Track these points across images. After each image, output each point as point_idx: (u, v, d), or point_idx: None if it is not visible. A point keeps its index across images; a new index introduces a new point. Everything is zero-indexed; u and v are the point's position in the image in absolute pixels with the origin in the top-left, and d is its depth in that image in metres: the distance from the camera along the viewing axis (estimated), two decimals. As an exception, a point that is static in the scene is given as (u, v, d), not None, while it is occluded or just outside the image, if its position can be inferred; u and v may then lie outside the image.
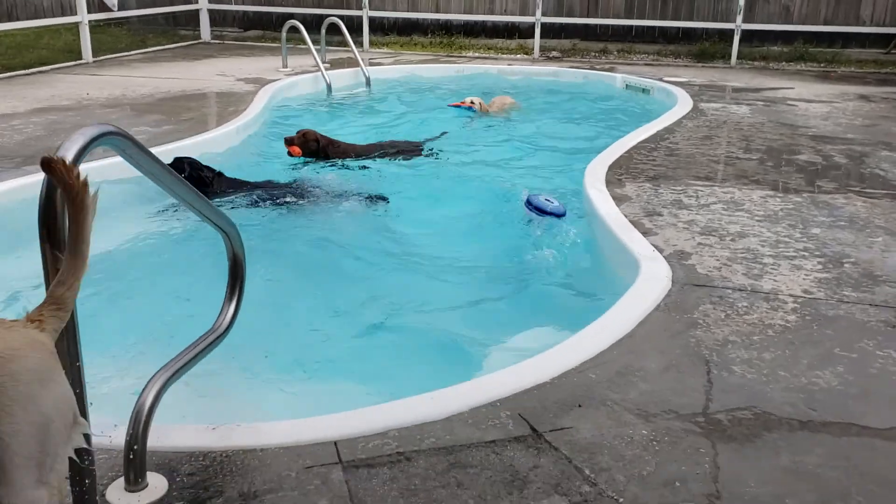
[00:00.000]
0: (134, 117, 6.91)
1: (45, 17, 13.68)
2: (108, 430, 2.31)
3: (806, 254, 3.89)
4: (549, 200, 5.04)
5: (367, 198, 5.38)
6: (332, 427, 2.44)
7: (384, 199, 5.40)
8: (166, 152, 5.64)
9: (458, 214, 5.25)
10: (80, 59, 10.19)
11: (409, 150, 6.47)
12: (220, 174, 5.30)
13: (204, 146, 6.11)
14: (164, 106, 7.45)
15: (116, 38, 12.71)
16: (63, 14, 12.33)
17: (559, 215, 4.95)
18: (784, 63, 11.00)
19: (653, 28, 12.48)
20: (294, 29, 9.27)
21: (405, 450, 2.35)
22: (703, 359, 2.88)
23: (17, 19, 14.26)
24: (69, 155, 1.76)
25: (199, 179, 5.05)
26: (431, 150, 6.63)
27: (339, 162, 6.09)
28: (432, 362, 3.33)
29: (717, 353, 2.91)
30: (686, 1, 12.25)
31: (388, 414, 2.52)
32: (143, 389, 2.19)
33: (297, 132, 6.17)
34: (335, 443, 2.37)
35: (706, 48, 11.75)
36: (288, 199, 5.19)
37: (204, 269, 3.66)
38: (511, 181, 5.84)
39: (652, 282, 3.49)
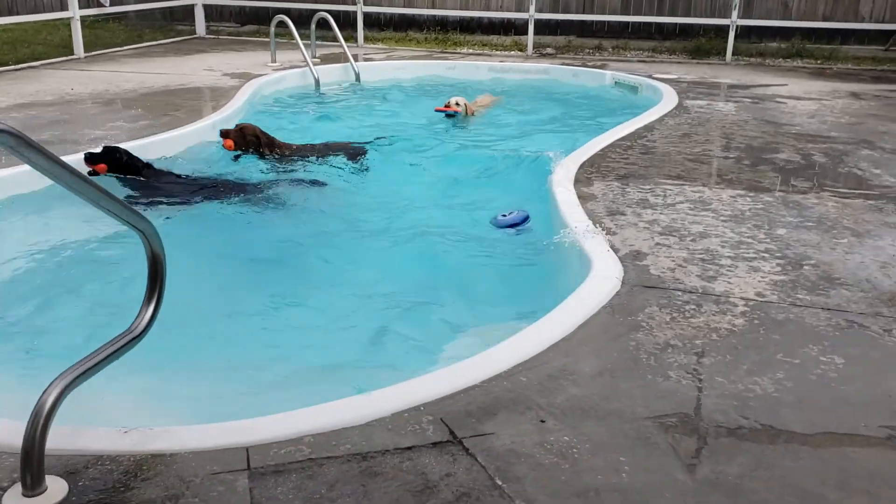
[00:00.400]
0: (112, 112, 6.89)
1: (43, 12, 13.76)
2: (8, 432, 2.26)
3: (766, 255, 3.81)
4: (504, 216, 4.93)
5: (300, 188, 5.34)
6: (244, 432, 2.40)
7: (320, 184, 5.34)
8: (140, 146, 5.64)
9: (408, 214, 5.18)
10: (73, 54, 10.18)
11: (353, 153, 6.24)
12: (148, 164, 5.32)
13: (179, 141, 6.11)
14: (145, 101, 7.42)
15: (113, 34, 12.71)
16: (58, 10, 12.36)
17: (521, 222, 4.87)
18: (781, 60, 10.87)
19: (649, 24, 12.39)
20: (284, 23, 9.24)
21: (317, 456, 2.30)
22: (640, 363, 2.82)
23: (18, 14, 14.36)
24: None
25: (132, 167, 5.13)
26: (380, 150, 6.42)
27: (277, 159, 5.98)
28: (364, 365, 3.27)
29: (654, 358, 2.85)
30: (683, -3, 12.15)
31: (305, 419, 2.47)
32: (46, 390, 2.15)
33: (236, 125, 6.09)
34: (247, 448, 2.32)
35: (702, 44, 11.63)
36: (220, 191, 5.15)
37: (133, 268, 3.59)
38: (479, 182, 5.79)
39: (600, 282, 3.43)
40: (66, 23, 11.21)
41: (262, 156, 5.95)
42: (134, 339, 2.46)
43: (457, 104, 7.55)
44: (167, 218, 4.62)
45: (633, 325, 3.09)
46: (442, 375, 2.73)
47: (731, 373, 2.76)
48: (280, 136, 6.52)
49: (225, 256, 4.39)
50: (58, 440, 2.24)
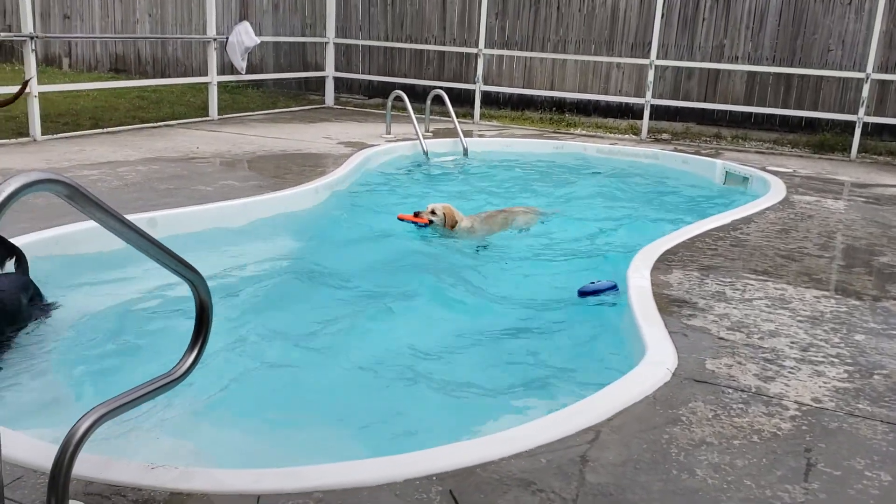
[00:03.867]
0: (227, 171, 7.38)
1: (190, 76, 14.98)
2: (42, 454, 2.46)
3: (835, 360, 3.63)
4: (592, 283, 4.98)
5: None
6: (259, 480, 2.50)
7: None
8: (241, 206, 6.02)
9: (491, 277, 5.32)
10: (207, 116, 11.02)
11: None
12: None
13: (283, 202, 6.45)
14: (259, 162, 7.92)
15: (250, 99, 13.69)
16: (203, 75, 13.44)
17: (607, 289, 4.89)
18: (913, 160, 10.38)
19: (772, 116, 12.13)
20: (400, 98, 9.69)
21: (322, 511, 2.37)
22: (668, 457, 2.74)
23: (169, 76, 15.70)
24: (1, 196, 1.95)
25: None
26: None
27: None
28: (398, 424, 3.33)
29: (685, 454, 2.77)
30: (811, 90, 11.87)
31: (319, 474, 2.55)
32: (81, 418, 2.33)
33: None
34: (258, 497, 2.42)
35: (826, 139, 11.30)
36: None
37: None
38: (569, 258, 5.82)
39: (650, 370, 3.37)
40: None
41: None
42: (172, 381, 2.63)
43: (433, 213, 6.15)
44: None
45: (672, 418, 3.01)
46: (460, 448, 2.75)
47: (763, 477, 2.63)
48: (381, 204, 6.85)
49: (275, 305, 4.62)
50: (88, 468, 2.42)
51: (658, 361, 3.48)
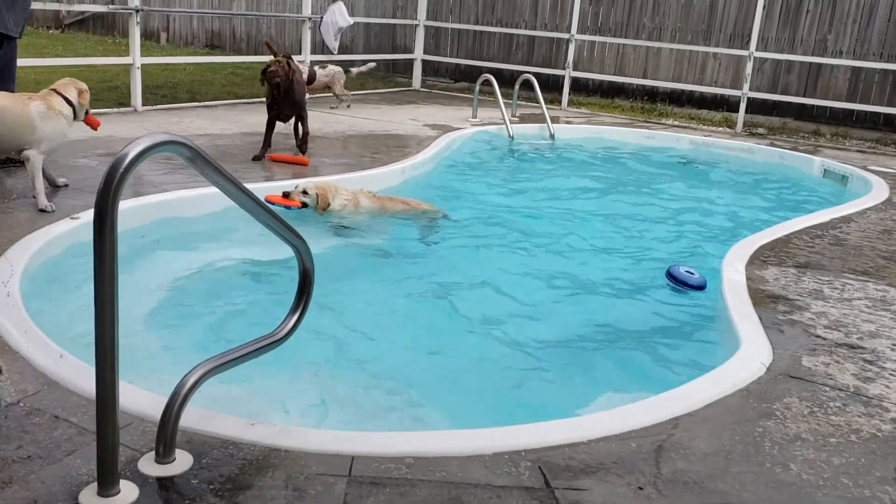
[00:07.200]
0: (317, 149, 7.51)
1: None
2: (153, 404, 2.58)
3: (941, 365, 3.49)
4: (690, 272, 4.92)
5: None
6: (355, 442, 2.57)
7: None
8: (328, 181, 6.13)
9: (582, 258, 5.34)
10: (299, 94, 11.22)
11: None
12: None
13: (367, 180, 6.53)
14: (348, 142, 8.05)
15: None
16: (296, 53, 13.69)
17: (699, 288, 4.82)
18: None
19: (876, 114, 11.63)
20: (488, 82, 9.68)
21: (413, 477, 2.41)
22: (762, 450, 2.69)
23: (262, 54, 16.04)
24: (132, 153, 2.05)
25: None
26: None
27: None
28: (493, 399, 3.36)
29: (779, 448, 2.71)
30: (920, 88, 11.34)
31: (411, 441, 2.61)
32: (189, 372, 2.44)
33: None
34: (352, 457, 2.49)
35: (935, 140, 10.77)
36: None
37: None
38: (659, 246, 5.75)
39: (743, 365, 3.30)
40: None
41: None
42: (275, 342, 2.73)
43: (304, 193, 5.44)
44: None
45: (766, 412, 2.95)
46: (549, 426, 2.76)
47: (861, 477, 2.56)
48: (466, 188, 6.88)
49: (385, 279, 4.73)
50: (193, 420, 2.53)
51: (752, 356, 3.41)
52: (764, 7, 11.15)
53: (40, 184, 4.78)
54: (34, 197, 4.79)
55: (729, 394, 3.08)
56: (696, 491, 2.44)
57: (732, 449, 2.69)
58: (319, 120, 9.24)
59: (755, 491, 2.45)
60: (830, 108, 11.77)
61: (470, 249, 5.42)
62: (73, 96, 4.96)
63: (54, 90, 4.94)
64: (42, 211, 4.72)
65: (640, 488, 2.44)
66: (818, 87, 11.97)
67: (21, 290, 3.61)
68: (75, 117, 5.01)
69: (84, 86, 5.10)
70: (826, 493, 2.47)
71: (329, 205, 5.49)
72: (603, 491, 2.41)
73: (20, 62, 8.88)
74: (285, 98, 6.65)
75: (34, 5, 7.37)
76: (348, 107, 10.36)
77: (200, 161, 2.26)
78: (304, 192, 5.46)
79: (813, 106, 11.89)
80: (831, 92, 11.84)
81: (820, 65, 11.77)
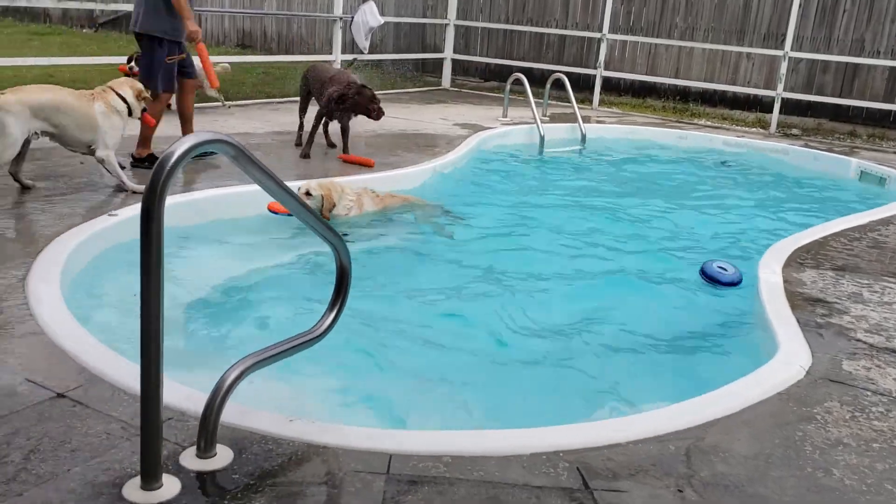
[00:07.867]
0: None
1: (313, 54, 15.35)
2: (194, 400, 2.60)
3: None
4: (723, 269, 4.89)
5: None
6: (393, 440, 2.58)
7: None
8: (360, 182, 6.14)
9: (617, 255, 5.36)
10: (329, 93, 11.26)
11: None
12: None
13: (397, 180, 6.53)
14: (378, 141, 8.07)
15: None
16: (326, 53, 13.76)
17: (734, 284, 4.78)
18: None
19: (915, 114, 11.42)
20: (519, 82, 9.64)
21: (451, 476, 2.42)
22: (802, 454, 2.66)
23: (292, 54, 16.15)
24: (178, 151, 2.07)
25: None
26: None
27: None
28: (531, 401, 3.35)
29: (821, 452, 2.67)
30: (963, 88, 11.12)
31: (449, 440, 2.61)
32: (229, 368, 2.46)
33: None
34: (390, 455, 2.49)
35: (975, 141, 10.55)
36: None
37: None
38: (694, 248, 5.70)
39: (782, 368, 3.27)
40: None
41: None
42: (313, 339, 2.74)
43: (307, 195, 5.16)
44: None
45: (806, 416, 2.92)
46: (587, 427, 2.76)
47: (906, 484, 2.52)
48: (497, 187, 6.86)
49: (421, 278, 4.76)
50: (232, 416, 2.55)
51: (791, 359, 3.37)
52: (800, 6, 11.00)
53: (122, 174, 5.30)
54: (122, 189, 5.29)
55: (768, 397, 3.05)
56: (736, 494, 2.41)
57: (773, 452, 2.66)
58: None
59: (797, 495, 2.42)
60: (867, 108, 11.58)
61: (499, 250, 5.39)
62: (128, 95, 5.33)
63: (111, 87, 5.31)
64: (135, 192, 5.21)
65: (680, 490, 2.42)
66: (854, 88, 11.77)
67: (61, 285, 3.67)
68: (130, 115, 5.38)
69: (140, 86, 5.46)
70: (870, 500, 2.43)
71: (335, 205, 5.26)
72: (642, 493, 2.39)
73: (55, 60, 9.00)
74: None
75: (70, 4, 7.47)
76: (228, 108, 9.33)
77: (244, 159, 2.28)
78: (308, 194, 5.19)
79: (849, 107, 11.70)
80: (868, 92, 11.64)
81: (857, 65, 11.58)
